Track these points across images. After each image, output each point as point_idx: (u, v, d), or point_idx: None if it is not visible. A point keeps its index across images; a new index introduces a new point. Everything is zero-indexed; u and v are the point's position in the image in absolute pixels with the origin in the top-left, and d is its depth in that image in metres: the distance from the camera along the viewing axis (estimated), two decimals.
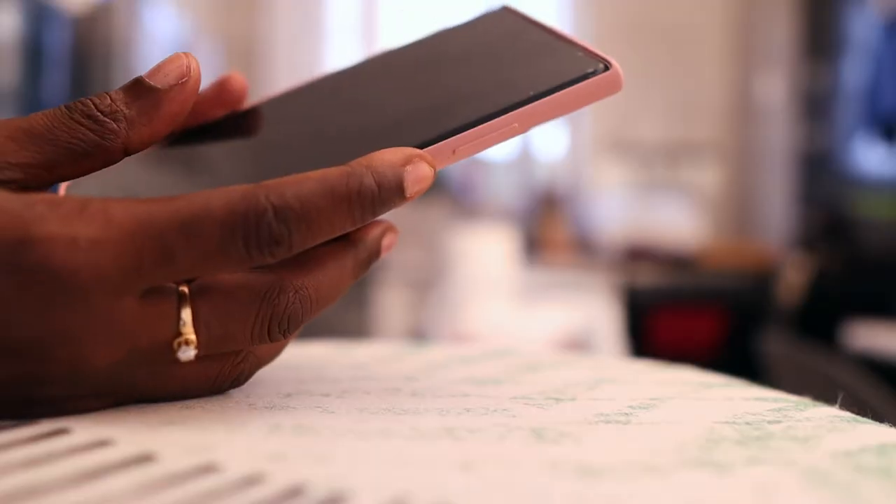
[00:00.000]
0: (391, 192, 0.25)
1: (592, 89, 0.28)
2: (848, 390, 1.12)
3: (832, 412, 0.26)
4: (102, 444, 0.21)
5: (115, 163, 0.26)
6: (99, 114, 0.25)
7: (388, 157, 0.25)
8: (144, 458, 0.20)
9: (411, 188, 0.25)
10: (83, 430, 0.22)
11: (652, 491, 0.18)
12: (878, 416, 0.26)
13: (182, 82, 0.27)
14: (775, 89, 2.96)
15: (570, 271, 2.74)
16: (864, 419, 0.26)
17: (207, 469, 0.19)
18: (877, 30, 2.60)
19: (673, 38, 3.07)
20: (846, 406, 0.27)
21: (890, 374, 1.40)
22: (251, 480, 0.19)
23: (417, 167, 0.25)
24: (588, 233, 3.02)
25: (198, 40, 2.36)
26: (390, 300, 2.16)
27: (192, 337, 0.23)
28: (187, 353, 0.23)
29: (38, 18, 1.53)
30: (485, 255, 2.16)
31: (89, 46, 1.78)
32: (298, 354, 0.36)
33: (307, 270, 0.25)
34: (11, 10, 1.45)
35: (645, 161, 3.05)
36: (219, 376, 0.25)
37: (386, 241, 0.28)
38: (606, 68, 0.29)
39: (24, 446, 0.20)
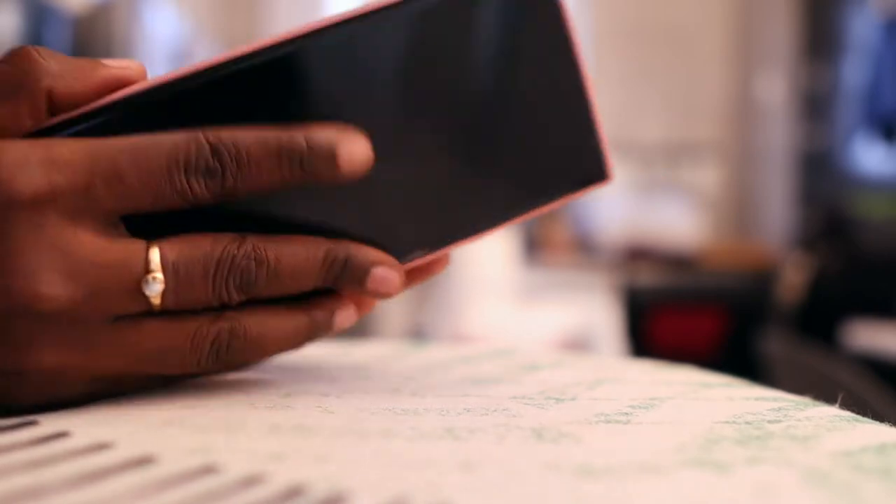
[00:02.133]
0: (320, 158, 0.26)
1: (582, 193, 0.29)
2: (848, 390, 1.12)
3: (832, 412, 0.26)
4: (102, 446, 0.21)
5: (40, 109, 0.25)
6: (18, 51, 0.25)
7: (325, 127, 0.26)
8: (144, 460, 0.20)
9: (346, 162, 0.26)
10: (83, 432, 0.22)
11: (652, 491, 0.18)
12: (878, 416, 0.26)
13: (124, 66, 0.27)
14: (775, 89, 2.96)
15: (570, 271, 2.74)
16: (864, 419, 0.26)
17: (207, 469, 0.19)
18: (877, 30, 2.60)
19: (673, 38, 3.07)
20: (846, 406, 0.27)
21: (890, 374, 1.40)
22: (251, 480, 0.19)
23: (352, 143, 0.26)
24: (588, 233, 3.02)
25: (198, 40, 2.36)
26: (390, 300, 2.16)
27: (160, 275, 0.24)
28: (154, 288, 0.24)
29: (38, 18, 1.53)
30: (485, 255, 2.16)
31: (89, 46, 1.78)
32: (298, 354, 0.36)
33: (273, 242, 0.26)
34: (11, 10, 1.45)
35: (645, 161, 3.05)
36: (196, 335, 0.25)
37: (340, 317, 0.29)
38: (603, 177, 0.29)
39: (24, 449, 0.20)
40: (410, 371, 0.32)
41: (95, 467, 0.19)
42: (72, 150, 0.23)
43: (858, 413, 0.27)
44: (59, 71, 0.25)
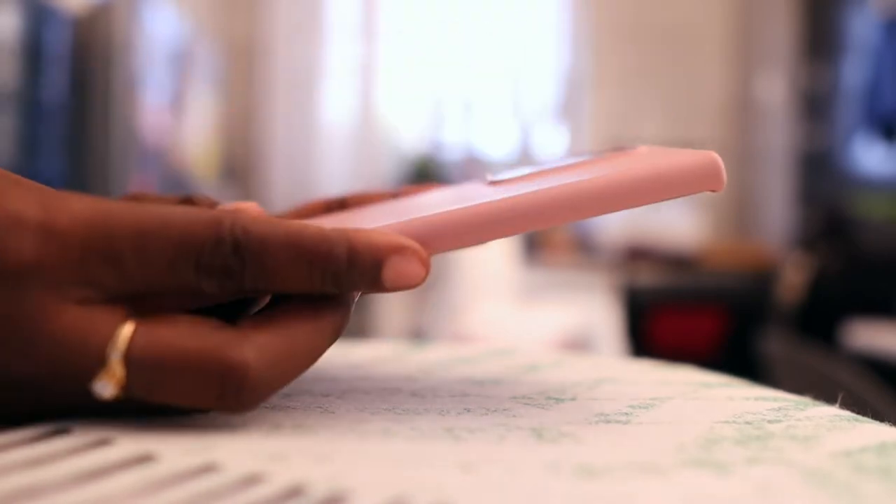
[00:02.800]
0: (362, 275, 0.22)
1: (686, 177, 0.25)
2: (848, 390, 1.12)
3: (832, 412, 0.26)
4: (102, 443, 0.21)
5: None
6: None
7: (374, 237, 0.23)
8: (145, 458, 0.20)
9: (391, 281, 0.23)
10: (83, 429, 0.22)
11: (652, 491, 0.18)
12: (878, 416, 0.26)
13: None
14: (775, 89, 2.96)
15: (570, 271, 2.74)
16: (864, 419, 0.26)
17: (207, 469, 0.19)
18: (877, 30, 2.60)
19: (673, 38, 3.07)
20: (846, 406, 0.27)
21: (890, 374, 1.40)
22: (251, 480, 0.19)
23: (404, 260, 0.23)
24: (588, 233, 3.02)
25: (198, 40, 2.36)
26: (390, 300, 2.16)
27: (120, 371, 0.21)
28: (105, 389, 0.21)
29: (38, 18, 1.54)
30: (485, 255, 2.16)
31: (89, 46, 1.78)
32: None
33: (273, 330, 0.22)
34: (11, 11, 1.45)
35: None
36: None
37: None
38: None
39: (24, 446, 0.20)
40: (410, 371, 0.32)
41: (95, 465, 0.19)
42: (72, 219, 0.21)
43: (858, 413, 0.27)
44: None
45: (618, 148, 0.32)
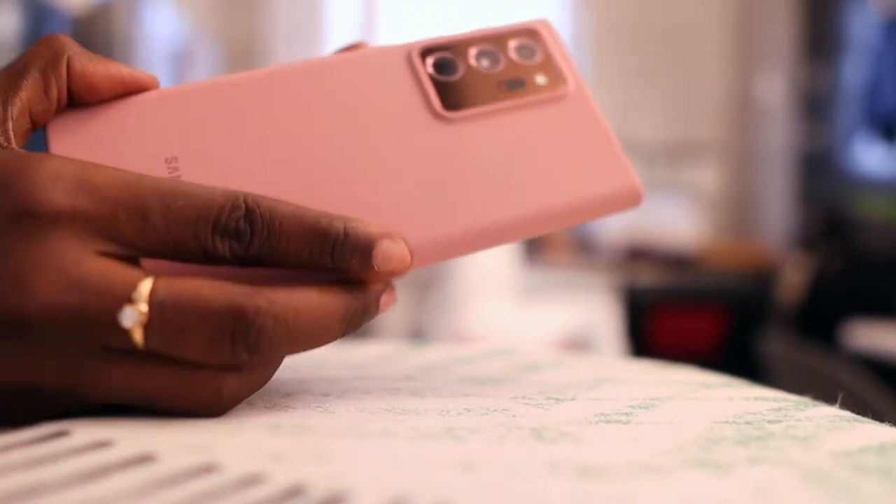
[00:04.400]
0: (354, 250, 0.25)
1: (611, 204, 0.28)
2: (848, 390, 1.12)
3: (832, 412, 0.26)
4: (103, 444, 0.21)
5: (62, 78, 0.27)
6: (48, 35, 0.27)
7: (367, 222, 0.26)
8: (145, 458, 0.20)
9: (381, 259, 0.25)
10: (83, 431, 0.22)
11: (652, 491, 0.18)
12: (878, 416, 0.26)
13: None
14: (775, 89, 2.96)
15: (570, 271, 2.73)
16: (864, 419, 0.26)
17: (207, 469, 0.19)
18: (877, 30, 2.60)
19: (673, 38, 3.07)
20: (846, 406, 0.27)
21: (890, 374, 1.40)
22: (251, 480, 0.19)
23: (393, 243, 0.26)
24: (588, 233, 3.02)
25: (198, 40, 2.36)
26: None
27: (143, 307, 0.22)
28: (129, 317, 0.22)
29: (38, 18, 1.53)
30: (485, 255, 2.16)
31: (89, 46, 1.77)
32: (298, 354, 0.36)
33: (287, 292, 0.24)
34: (11, 10, 1.45)
35: (645, 161, 3.05)
36: (198, 386, 0.23)
37: (384, 299, 0.27)
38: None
39: (24, 447, 0.20)
40: (410, 371, 0.32)
41: (95, 466, 0.19)
42: (105, 177, 0.23)
43: (858, 413, 0.27)
44: (80, 51, 0.27)
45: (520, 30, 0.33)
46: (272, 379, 0.29)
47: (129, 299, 0.22)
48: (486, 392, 0.28)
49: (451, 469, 0.20)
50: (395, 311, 2.29)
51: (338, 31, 2.96)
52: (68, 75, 0.26)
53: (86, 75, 0.27)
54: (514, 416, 0.25)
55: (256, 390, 0.25)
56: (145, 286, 0.22)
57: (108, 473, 0.19)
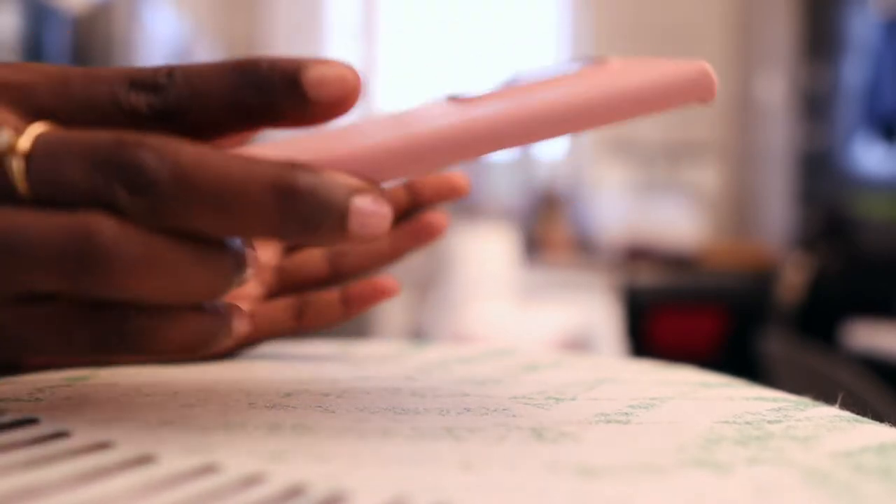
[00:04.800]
0: (282, 79, 0.22)
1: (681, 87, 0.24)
2: (848, 390, 1.12)
3: (832, 412, 0.26)
4: (102, 445, 0.21)
5: None
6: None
7: (295, 57, 0.22)
8: (144, 459, 0.20)
9: (314, 88, 0.22)
10: (83, 431, 0.22)
11: (652, 491, 0.18)
12: (878, 416, 0.26)
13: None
14: (775, 89, 2.96)
15: (570, 271, 2.73)
16: (864, 419, 0.26)
17: (207, 469, 0.19)
18: (877, 30, 2.60)
19: (673, 38, 3.07)
20: (846, 406, 0.27)
21: (890, 374, 1.40)
22: (251, 480, 0.19)
23: (326, 65, 0.22)
24: (588, 233, 3.02)
25: (198, 40, 2.36)
26: (390, 300, 2.16)
27: (25, 140, 0.20)
28: (2, 138, 0.20)
29: (38, 18, 1.53)
30: (485, 255, 2.16)
31: (89, 46, 1.78)
32: (299, 354, 0.36)
33: (198, 145, 0.21)
34: (11, 10, 1.45)
35: (645, 161, 3.05)
36: (70, 236, 0.20)
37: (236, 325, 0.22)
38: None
39: (24, 448, 0.20)
40: (410, 371, 0.32)
41: (95, 466, 0.19)
42: (38, 63, 0.23)
43: (858, 413, 0.27)
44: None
45: (588, 59, 0.29)
46: (272, 379, 0.29)
47: (14, 133, 0.21)
48: (486, 392, 0.28)
49: (450, 469, 0.20)
50: (395, 311, 2.29)
51: (338, 31, 2.96)
52: None
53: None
54: (513, 416, 0.25)
55: (174, 285, 0.20)
56: (36, 127, 0.21)
57: (108, 474, 0.19)
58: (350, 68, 0.22)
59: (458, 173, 0.37)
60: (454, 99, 0.26)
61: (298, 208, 0.20)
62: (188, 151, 0.20)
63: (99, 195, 0.20)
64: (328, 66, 0.21)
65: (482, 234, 2.30)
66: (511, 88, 0.26)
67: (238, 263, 0.22)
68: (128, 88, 0.22)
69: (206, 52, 2.37)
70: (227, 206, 0.20)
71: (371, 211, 0.21)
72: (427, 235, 0.36)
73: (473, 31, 3.07)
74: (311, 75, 0.21)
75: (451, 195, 0.37)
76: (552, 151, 3.11)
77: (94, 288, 0.20)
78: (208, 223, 0.20)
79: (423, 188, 0.36)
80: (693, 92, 0.23)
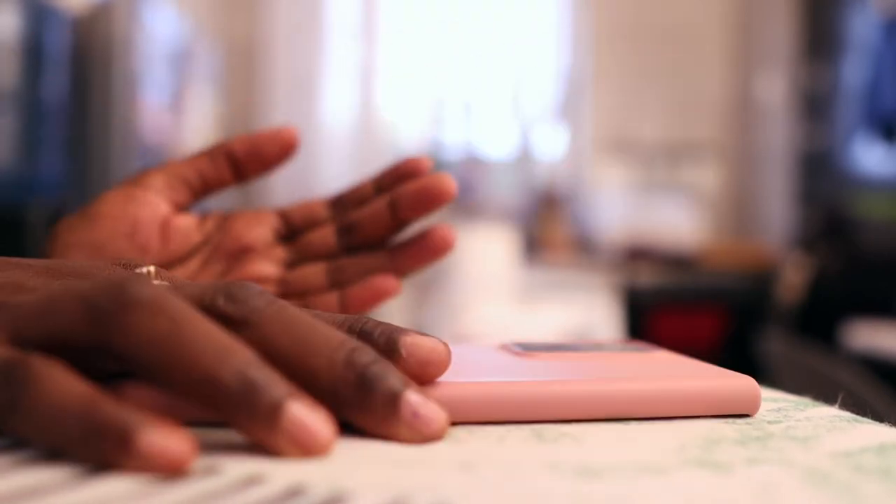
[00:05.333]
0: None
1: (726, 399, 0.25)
2: (848, 390, 1.12)
3: (832, 412, 0.26)
4: None
5: None
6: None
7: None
8: None
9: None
10: None
11: (652, 491, 0.18)
12: (878, 416, 0.26)
13: None
14: (775, 89, 2.96)
15: (570, 271, 2.74)
16: (864, 419, 0.26)
17: (207, 469, 0.19)
18: (877, 30, 2.61)
19: (673, 38, 3.07)
20: (846, 406, 0.27)
21: (890, 374, 1.40)
22: (251, 480, 0.19)
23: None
24: (588, 233, 3.02)
25: (198, 40, 2.36)
26: (390, 300, 2.16)
27: None
28: None
29: (37, 18, 1.53)
30: (485, 255, 2.16)
31: (89, 46, 1.78)
32: None
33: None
34: (11, 11, 1.45)
35: (645, 161, 3.05)
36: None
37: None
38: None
39: (23, 448, 0.20)
40: None
41: (94, 467, 0.19)
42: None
43: (858, 413, 0.27)
44: None
45: (633, 345, 0.32)
46: None
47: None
48: None
49: (450, 469, 0.20)
50: (395, 311, 2.29)
51: (338, 32, 2.97)
52: None
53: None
54: None
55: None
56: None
57: (107, 475, 0.19)
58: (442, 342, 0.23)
59: (443, 174, 0.34)
60: (517, 352, 0.29)
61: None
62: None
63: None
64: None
65: (482, 234, 2.30)
66: (568, 355, 0.29)
67: None
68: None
69: (206, 52, 2.37)
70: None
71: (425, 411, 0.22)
72: (435, 252, 0.35)
73: (473, 31, 3.07)
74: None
75: (435, 203, 0.34)
76: (552, 151, 3.11)
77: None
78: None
79: (400, 198, 0.34)
80: (739, 405, 0.25)
